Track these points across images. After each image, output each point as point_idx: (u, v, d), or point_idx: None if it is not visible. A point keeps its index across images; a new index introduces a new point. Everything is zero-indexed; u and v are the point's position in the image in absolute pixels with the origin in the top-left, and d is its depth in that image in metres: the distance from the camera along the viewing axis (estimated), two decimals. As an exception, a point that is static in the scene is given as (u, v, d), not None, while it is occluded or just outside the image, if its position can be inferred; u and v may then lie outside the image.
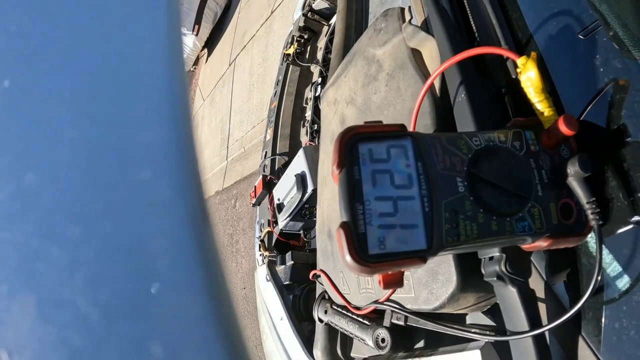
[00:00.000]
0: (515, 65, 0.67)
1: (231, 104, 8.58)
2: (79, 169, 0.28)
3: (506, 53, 0.69)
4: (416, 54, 0.96)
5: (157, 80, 0.33)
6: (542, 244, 0.60)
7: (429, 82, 0.76)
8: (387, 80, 1.00)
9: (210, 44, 11.96)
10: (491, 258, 0.68)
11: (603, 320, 0.64)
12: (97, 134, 0.30)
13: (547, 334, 0.67)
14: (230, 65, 9.32)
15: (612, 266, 0.63)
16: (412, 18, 1.02)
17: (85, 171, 0.29)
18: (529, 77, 0.64)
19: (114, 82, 0.32)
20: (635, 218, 0.60)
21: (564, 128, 0.60)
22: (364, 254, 0.52)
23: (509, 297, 0.67)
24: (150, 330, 0.26)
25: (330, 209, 1.16)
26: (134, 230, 0.28)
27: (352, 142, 0.57)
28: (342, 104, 1.19)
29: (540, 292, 0.71)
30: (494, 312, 0.87)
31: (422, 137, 0.60)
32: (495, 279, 0.67)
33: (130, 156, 0.30)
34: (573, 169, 0.60)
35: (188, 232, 0.29)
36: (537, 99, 0.65)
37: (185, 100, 0.33)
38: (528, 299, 0.66)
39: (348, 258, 0.51)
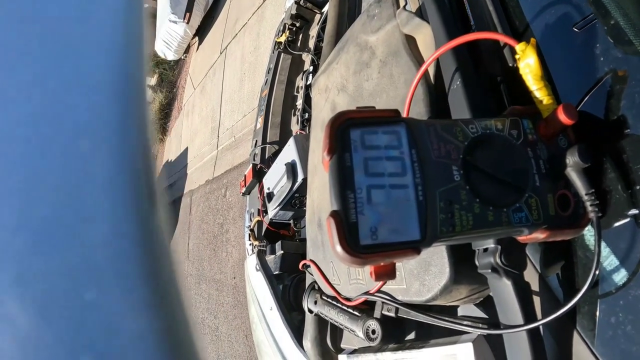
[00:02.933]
0: (514, 52, 0.66)
1: (222, 92, 8.54)
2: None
3: (504, 39, 0.67)
4: (410, 41, 0.94)
5: (101, 36, 0.29)
6: (539, 235, 0.58)
7: (423, 68, 0.74)
8: (380, 67, 0.98)
9: (201, 32, 11.89)
10: (485, 249, 0.66)
11: (598, 314, 0.62)
12: (24, 97, 0.25)
13: (541, 327, 0.66)
14: (221, 53, 9.26)
15: (608, 259, 0.62)
16: (406, 4, 1.00)
17: (9, 143, 0.24)
18: (527, 63, 0.62)
19: (47, 39, 0.27)
20: (633, 211, 0.59)
21: (563, 117, 0.58)
22: (355, 245, 0.49)
23: (504, 289, 0.65)
24: (83, 340, 0.22)
25: (321, 198, 1.14)
26: (66, 214, 0.23)
27: (343, 127, 0.54)
28: (334, 92, 1.17)
29: (534, 285, 0.70)
30: (486, 304, 0.86)
31: (416, 124, 0.57)
32: (489, 271, 0.65)
33: (63, 125, 0.25)
34: (572, 160, 0.58)
35: (132, 218, 0.25)
36: (535, 87, 0.63)
37: (137, 64, 0.29)
38: (523, 292, 0.65)
39: (338, 248, 0.49)
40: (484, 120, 0.61)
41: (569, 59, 0.72)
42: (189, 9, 11.12)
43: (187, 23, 11.40)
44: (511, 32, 0.82)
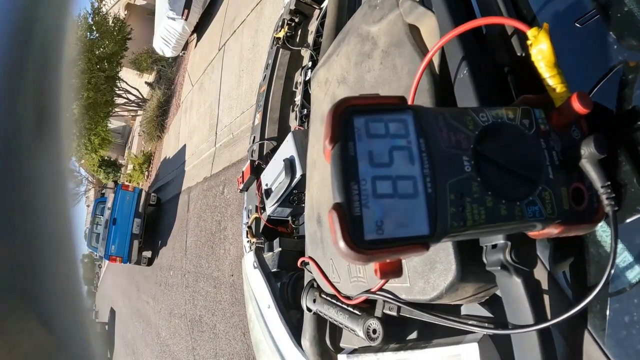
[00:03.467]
0: (524, 39, 0.63)
1: (220, 89, 8.53)
2: None
3: (515, 24, 0.64)
4: (414, 31, 0.91)
5: None
6: (553, 231, 0.55)
7: (428, 56, 0.71)
8: (382, 57, 0.95)
9: (199, 28, 11.92)
10: (494, 246, 0.64)
11: (611, 313, 0.60)
12: None
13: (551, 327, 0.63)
14: (219, 50, 9.25)
15: (622, 256, 0.60)
16: (409, -7, 0.97)
17: None
18: (540, 50, 0.59)
19: None
20: None
21: (577, 106, 0.55)
22: (360, 240, 0.46)
23: (514, 288, 0.63)
24: None
25: (320, 194, 1.11)
26: None
27: (346, 114, 0.51)
28: (334, 84, 1.14)
29: (543, 283, 0.67)
30: (491, 302, 0.83)
31: (424, 112, 0.54)
32: (498, 268, 0.62)
33: None
34: (588, 151, 0.55)
35: None
36: (548, 74, 0.60)
37: None
38: (533, 291, 0.62)
39: (342, 244, 0.46)
40: (495, 109, 0.58)
41: (578, 50, 0.70)
42: (187, 5, 11.13)
43: (186, 20, 11.41)
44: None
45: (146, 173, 16.63)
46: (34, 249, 0.27)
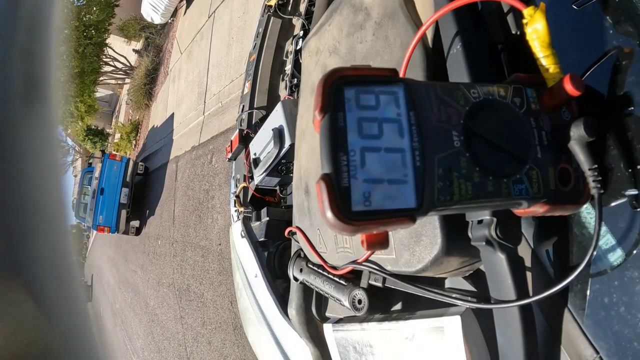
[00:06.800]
0: (521, 17, 0.62)
1: (209, 57, 8.41)
2: None
3: (512, 1, 0.63)
4: (408, 2, 0.90)
5: None
6: (539, 209, 0.56)
7: (422, 30, 0.70)
8: (375, 29, 0.94)
9: (189, -6, 11.66)
10: (480, 221, 0.64)
11: (591, 294, 0.61)
12: None
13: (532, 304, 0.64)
14: (209, 17, 9.08)
15: (605, 238, 0.61)
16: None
17: None
18: (535, 29, 0.59)
19: None
20: (632, 191, 0.57)
21: (569, 87, 0.55)
22: (347, 211, 0.46)
23: (497, 263, 0.63)
24: None
25: (308, 164, 1.11)
26: None
27: (337, 85, 0.50)
28: (325, 54, 1.12)
29: (527, 260, 0.68)
30: (475, 277, 0.84)
31: (415, 85, 0.54)
32: (483, 243, 0.63)
33: None
34: (577, 133, 0.56)
35: None
36: (542, 54, 0.60)
37: None
38: (516, 267, 0.63)
39: (329, 214, 0.46)
40: (487, 86, 0.58)
41: (573, 32, 0.69)
42: (177, -30, 10.87)
43: (175, -15, 11.16)
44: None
45: (134, 142, 16.48)
46: (24, 220, 0.27)
